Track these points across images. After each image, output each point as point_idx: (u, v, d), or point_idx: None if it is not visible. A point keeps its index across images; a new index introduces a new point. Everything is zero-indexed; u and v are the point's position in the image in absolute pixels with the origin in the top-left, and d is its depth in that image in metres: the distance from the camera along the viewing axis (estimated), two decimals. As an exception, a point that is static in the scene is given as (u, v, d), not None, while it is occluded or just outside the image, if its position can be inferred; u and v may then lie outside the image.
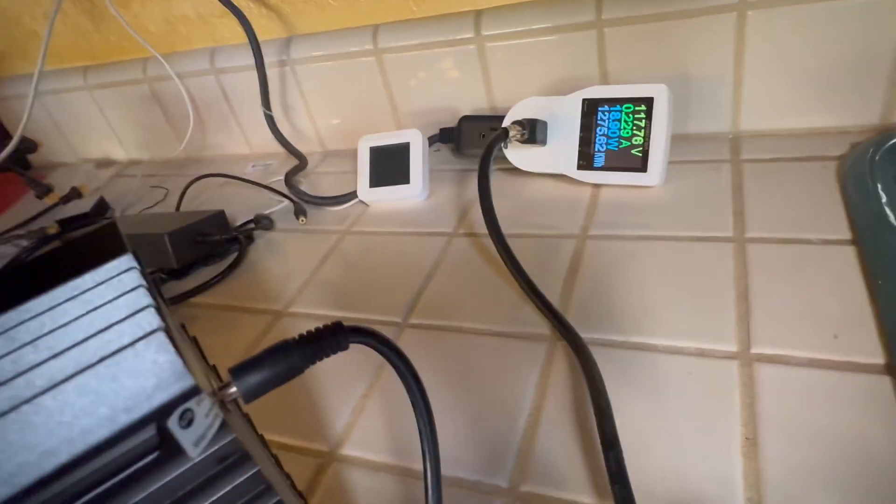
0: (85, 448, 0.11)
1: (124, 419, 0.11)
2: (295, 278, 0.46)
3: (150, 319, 0.12)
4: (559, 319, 0.34)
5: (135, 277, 0.13)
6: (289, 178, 0.56)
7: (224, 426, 0.12)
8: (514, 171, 0.49)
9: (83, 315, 0.12)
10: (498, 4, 0.49)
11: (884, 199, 0.37)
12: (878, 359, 0.28)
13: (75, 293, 0.12)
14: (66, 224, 0.60)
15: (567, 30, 0.47)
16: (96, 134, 0.75)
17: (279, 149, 0.63)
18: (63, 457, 0.10)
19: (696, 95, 0.46)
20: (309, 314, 0.42)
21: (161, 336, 0.12)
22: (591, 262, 0.39)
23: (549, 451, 0.28)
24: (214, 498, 0.13)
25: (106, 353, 0.11)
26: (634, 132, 0.42)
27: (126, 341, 0.11)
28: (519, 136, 0.44)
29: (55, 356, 0.11)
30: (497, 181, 0.49)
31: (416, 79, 0.55)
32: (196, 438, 0.12)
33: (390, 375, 0.35)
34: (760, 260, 0.35)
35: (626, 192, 0.44)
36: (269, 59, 0.58)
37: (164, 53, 0.62)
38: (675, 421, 0.28)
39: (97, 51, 0.68)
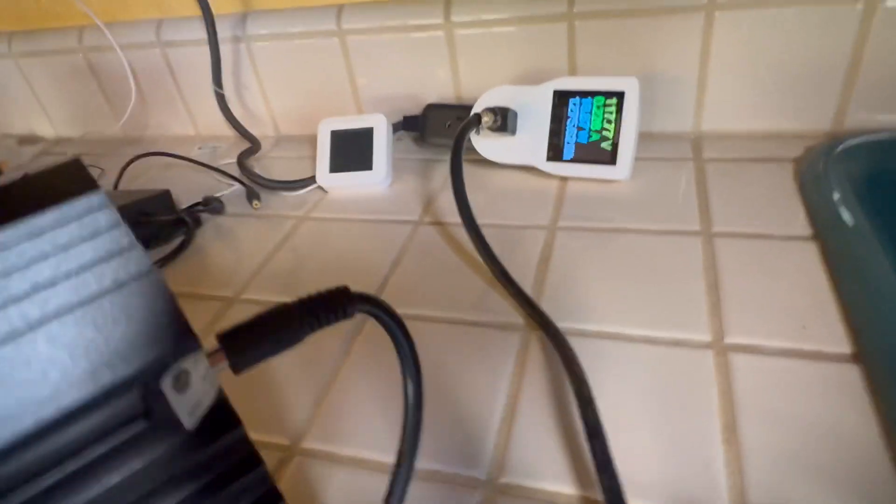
0: (56, 413, 0.08)
1: (107, 377, 0.09)
2: (247, 264, 0.43)
3: (140, 259, 0.10)
4: (534, 308, 0.33)
5: (111, 216, 0.11)
6: (242, 161, 0.53)
7: (221, 393, 0.10)
8: (480, 162, 0.48)
9: (52, 255, 0.09)
10: (469, -9, 0.49)
11: (836, 198, 0.38)
12: (846, 348, 0.29)
13: (40, 232, 0.10)
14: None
15: (538, 21, 0.47)
16: (20, 107, 0.68)
17: (229, 131, 0.60)
18: (27, 423, 0.08)
19: (661, 94, 0.47)
20: (263, 301, 0.39)
21: (154, 278, 0.10)
22: (562, 253, 0.38)
23: (527, 441, 0.27)
24: (208, 480, 0.11)
25: (84, 298, 0.09)
26: (605, 125, 0.42)
27: (108, 284, 0.09)
28: (491, 122, 0.43)
29: (17, 301, 0.09)
30: (464, 171, 0.48)
31: (380, 63, 0.53)
32: (192, 404, 0.09)
33: (355, 362, 0.33)
34: (727, 253, 0.36)
35: (594, 186, 0.44)
36: (222, 35, 0.55)
37: (105, 22, 0.58)
38: (654, 409, 0.28)
39: (26, 15, 0.62)
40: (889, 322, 0.29)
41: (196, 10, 0.53)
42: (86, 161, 0.62)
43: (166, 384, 0.09)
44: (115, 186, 0.53)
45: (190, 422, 0.10)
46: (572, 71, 0.48)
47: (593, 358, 0.31)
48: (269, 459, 0.29)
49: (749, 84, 0.45)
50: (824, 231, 0.36)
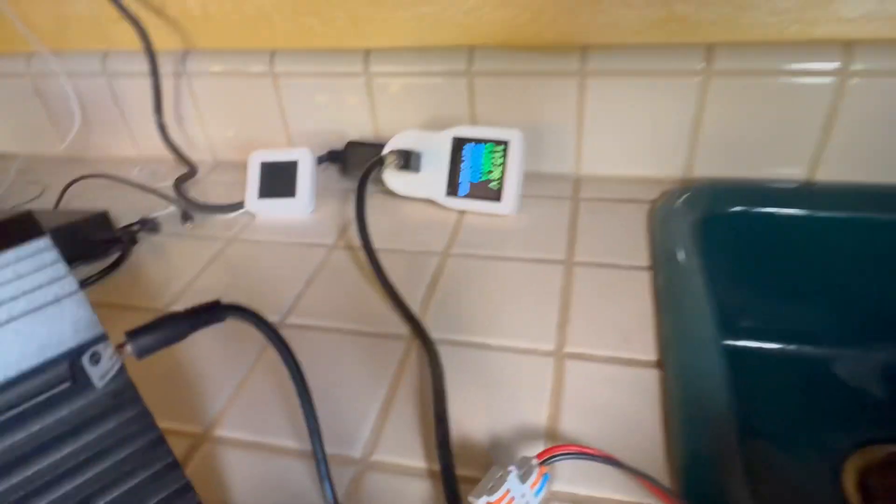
0: (15, 373, 0.14)
1: (48, 354, 0.15)
2: (178, 280, 0.48)
3: (71, 283, 0.16)
4: (414, 322, 0.40)
5: (54, 254, 0.17)
6: (178, 184, 0.58)
7: (122, 369, 0.16)
8: (393, 193, 0.55)
9: (13, 280, 0.15)
10: (386, 46, 0.56)
11: (675, 238, 0.47)
12: (653, 356, 0.37)
13: (4, 264, 0.16)
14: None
15: (443, 75, 0.54)
16: (-36, 123, 0.71)
17: (168, 155, 0.65)
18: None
19: (547, 140, 0.55)
20: (190, 313, 0.44)
21: (80, 295, 0.15)
22: (450, 276, 0.45)
23: (396, 427, 0.34)
24: (111, 426, 0.16)
25: (34, 307, 0.15)
26: (493, 167, 0.50)
27: (50, 299, 0.15)
28: (395, 163, 0.50)
29: None
30: (376, 201, 0.55)
31: (308, 103, 0.59)
32: (101, 374, 0.15)
33: (267, 363, 0.39)
34: (581, 279, 0.44)
35: (484, 219, 0.52)
36: (165, 70, 0.60)
37: (52, 49, 0.62)
38: (498, 402, 0.35)
39: (-25, 39, 0.66)
40: (684, 336, 0.37)
41: (139, 45, 0.58)
42: (27, 178, 0.66)
43: (85, 359, 0.15)
44: (56, 205, 0.58)
45: (100, 384, 0.16)
46: (473, 118, 0.56)
47: (457, 362, 0.38)
48: (180, 446, 0.34)
49: (617, 135, 0.54)
50: (658, 263, 0.44)
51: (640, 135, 0.53)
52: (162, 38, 0.60)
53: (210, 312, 0.21)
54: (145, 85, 0.61)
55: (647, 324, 0.39)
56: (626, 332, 0.39)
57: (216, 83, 0.61)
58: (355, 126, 0.60)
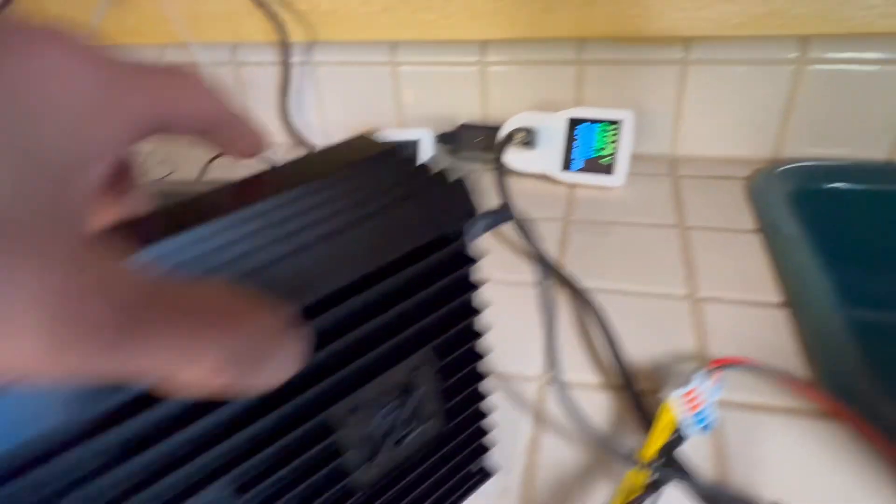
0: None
1: (439, 231, 0.20)
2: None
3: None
4: (560, 274, 0.45)
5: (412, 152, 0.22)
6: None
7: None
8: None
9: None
10: (503, 37, 0.62)
11: (776, 208, 0.52)
12: (779, 298, 0.42)
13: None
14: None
15: (554, 63, 0.60)
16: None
17: (283, 139, 0.71)
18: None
19: (646, 123, 0.61)
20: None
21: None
22: (576, 237, 0.51)
23: (566, 351, 0.39)
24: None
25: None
26: (606, 144, 0.56)
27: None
28: (521, 140, 0.56)
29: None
30: (488, 178, 0.61)
31: (422, 88, 0.65)
32: (472, 244, 0.20)
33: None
34: (697, 239, 0.49)
35: (594, 192, 0.57)
36: (290, 59, 0.67)
37: (187, 42, 0.69)
38: (647, 336, 0.40)
39: (122, 29, 0.73)
40: (804, 284, 0.42)
41: (265, 37, 0.65)
42: (157, 158, 0.72)
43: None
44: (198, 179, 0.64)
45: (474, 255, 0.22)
46: (578, 102, 0.61)
47: (604, 304, 0.43)
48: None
49: (712, 118, 0.59)
50: (765, 227, 0.50)
51: (733, 117, 0.59)
52: (289, 31, 0.67)
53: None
54: (266, 73, 0.67)
55: (767, 275, 0.45)
56: (749, 280, 0.44)
57: (337, 72, 0.67)
58: (465, 110, 0.66)
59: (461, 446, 0.27)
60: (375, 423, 0.22)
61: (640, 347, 0.39)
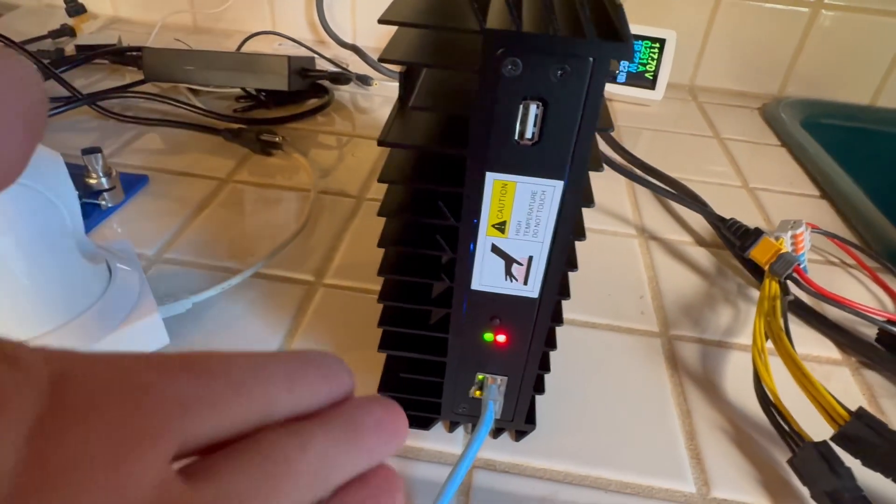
0: None
1: None
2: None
3: None
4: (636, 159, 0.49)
5: None
6: (358, 50, 0.63)
7: None
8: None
9: None
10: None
11: (792, 130, 0.59)
12: (815, 192, 0.49)
13: None
14: (92, 49, 0.58)
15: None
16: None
17: (304, 34, 0.68)
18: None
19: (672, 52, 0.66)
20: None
21: None
22: (624, 140, 0.55)
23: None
24: None
25: None
26: (649, 60, 0.60)
27: None
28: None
29: None
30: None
31: None
32: None
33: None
34: (735, 149, 0.55)
35: (632, 106, 0.61)
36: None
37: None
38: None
39: None
40: (836, 181, 0.49)
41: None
42: (172, 38, 0.67)
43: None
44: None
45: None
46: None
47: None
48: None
49: (732, 55, 0.65)
50: (788, 143, 0.56)
51: (749, 56, 0.65)
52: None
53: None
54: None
55: (802, 175, 0.51)
56: (789, 179, 0.50)
57: (376, -32, 0.66)
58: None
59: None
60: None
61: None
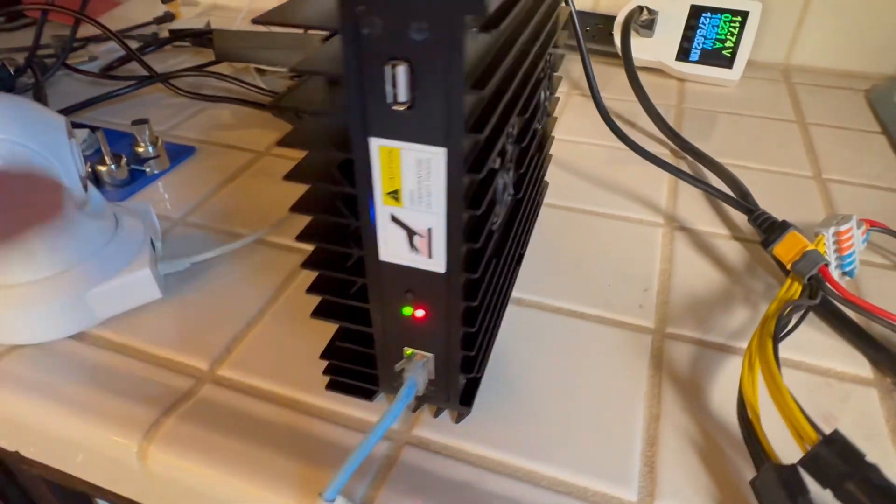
0: None
1: None
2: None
3: None
4: (680, 140, 0.45)
5: None
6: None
7: None
8: (610, 63, 0.59)
9: None
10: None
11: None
12: (909, 187, 0.41)
13: None
14: (178, 33, 0.64)
15: (680, -48, 0.58)
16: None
17: None
18: None
19: (764, 27, 0.59)
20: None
21: None
22: (692, 122, 0.50)
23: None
24: None
25: None
26: (728, 36, 0.54)
27: None
28: (645, 16, 0.54)
29: None
30: (598, 71, 0.59)
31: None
32: None
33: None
34: (819, 136, 0.48)
35: (706, 87, 0.56)
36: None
37: None
38: (777, 203, 0.40)
39: None
40: (942, 172, 0.41)
41: None
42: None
43: None
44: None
45: None
46: (697, -2, 0.59)
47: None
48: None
49: (834, 29, 0.57)
50: (891, 131, 0.48)
51: (857, 31, 0.56)
52: None
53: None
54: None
55: (892, 162, 0.44)
56: (877, 172, 0.43)
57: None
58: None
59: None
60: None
61: (779, 203, 0.39)
